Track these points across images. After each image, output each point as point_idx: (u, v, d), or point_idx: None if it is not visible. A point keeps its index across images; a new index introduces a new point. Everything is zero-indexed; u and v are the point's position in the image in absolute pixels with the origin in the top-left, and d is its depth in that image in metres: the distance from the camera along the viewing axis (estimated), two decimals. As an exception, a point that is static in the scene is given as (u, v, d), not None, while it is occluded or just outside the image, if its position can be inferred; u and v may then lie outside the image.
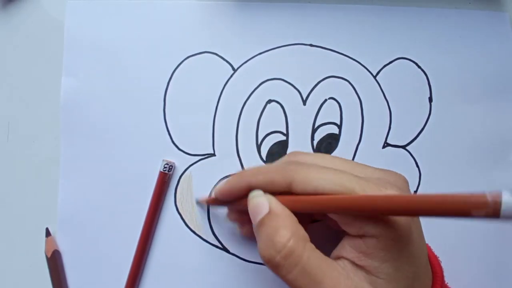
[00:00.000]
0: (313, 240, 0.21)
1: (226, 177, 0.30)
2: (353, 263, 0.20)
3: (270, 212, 0.21)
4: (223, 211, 0.29)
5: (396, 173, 0.23)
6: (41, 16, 0.32)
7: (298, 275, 0.19)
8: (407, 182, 0.23)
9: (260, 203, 0.22)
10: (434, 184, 0.31)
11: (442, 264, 0.24)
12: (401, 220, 0.20)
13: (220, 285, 0.29)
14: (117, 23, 0.32)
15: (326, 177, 0.21)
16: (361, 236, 0.20)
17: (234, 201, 0.25)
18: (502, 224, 0.31)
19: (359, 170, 0.23)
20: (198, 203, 0.30)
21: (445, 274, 0.24)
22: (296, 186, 0.21)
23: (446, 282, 0.25)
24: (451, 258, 0.30)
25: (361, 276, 0.20)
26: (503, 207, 0.14)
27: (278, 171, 0.22)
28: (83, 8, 0.32)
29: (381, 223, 0.20)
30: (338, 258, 0.21)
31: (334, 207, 0.20)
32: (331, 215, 0.22)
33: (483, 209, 0.14)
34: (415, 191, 0.31)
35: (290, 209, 0.22)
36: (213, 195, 0.27)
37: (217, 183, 0.30)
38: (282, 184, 0.22)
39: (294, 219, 0.21)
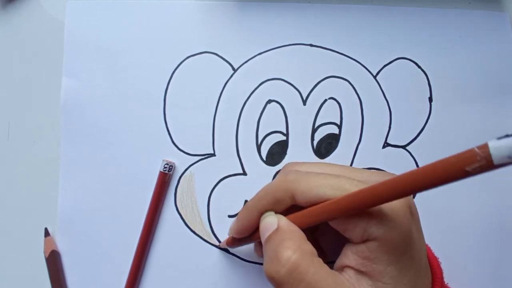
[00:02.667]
0: (320, 242, 0.21)
1: (226, 177, 0.30)
2: (357, 270, 0.20)
3: (277, 229, 0.21)
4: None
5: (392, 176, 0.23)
6: (41, 16, 0.32)
7: None
8: None
9: (269, 222, 0.22)
10: (434, 184, 0.31)
11: (442, 265, 0.24)
12: (402, 221, 0.20)
13: (220, 285, 0.29)
14: (117, 23, 0.32)
15: (326, 183, 0.21)
16: (364, 241, 0.20)
17: (251, 235, 0.25)
18: (503, 224, 0.31)
19: (356, 174, 0.23)
20: (221, 248, 0.30)
21: (445, 274, 0.24)
22: (299, 197, 0.21)
23: (446, 283, 0.25)
24: (451, 258, 0.30)
25: (366, 285, 0.20)
26: (493, 152, 0.14)
27: (279, 188, 0.22)
28: (83, 8, 0.32)
29: (383, 224, 0.19)
30: (341, 268, 0.21)
31: (340, 210, 0.20)
32: (334, 225, 0.21)
33: (475, 162, 0.15)
34: (415, 191, 0.31)
35: (300, 226, 0.21)
36: (229, 236, 0.27)
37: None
38: (286, 199, 0.22)
39: (301, 234, 0.21)
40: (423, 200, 0.31)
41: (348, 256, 0.21)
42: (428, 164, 0.16)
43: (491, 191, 0.31)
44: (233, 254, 0.30)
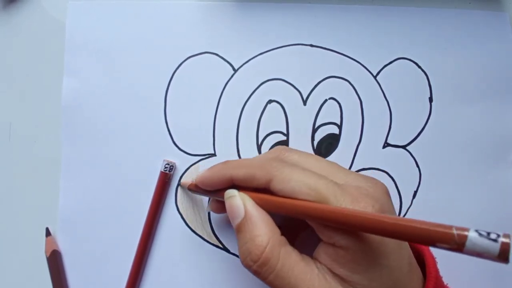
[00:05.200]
0: (304, 246, 0.22)
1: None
2: (329, 269, 0.21)
3: (245, 217, 0.22)
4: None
5: (377, 183, 0.24)
6: (42, 16, 0.32)
7: (274, 280, 0.21)
8: (387, 193, 0.24)
9: (236, 206, 0.23)
10: (434, 184, 0.31)
11: (441, 265, 0.24)
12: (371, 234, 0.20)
13: (220, 284, 0.29)
14: (118, 23, 0.32)
15: (305, 180, 0.21)
16: (332, 244, 0.21)
17: (213, 192, 0.25)
18: (503, 224, 0.31)
19: (341, 176, 0.23)
20: (181, 186, 0.30)
21: (445, 274, 0.24)
22: (275, 185, 0.22)
23: (446, 283, 0.25)
24: (451, 258, 0.30)
25: (337, 282, 0.21)
26: (468, 244, 0.14)
27: (260, 167, 0.23)
28: (84, 9, 0.32)
29: (349, 236, 0.20)
30: (317, 260, 0.22)
31: (305, 214, 0.21)
32: (307, 220, 0.22)
33: (447, 243, 0.15)
34: (415, 191, 0.31)
35: (267, 210, 0.22)
36: (194, 182, 0.27)
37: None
38: (262, 180, 0.22)
39: (269, 222, 0.22)
40: (423, 200, 0.31)
41: (321, 255, 0.22)
42: (404, 219, 0.17)
43: (492, 191, 0.31)
44: (233, 254, 0.30)
